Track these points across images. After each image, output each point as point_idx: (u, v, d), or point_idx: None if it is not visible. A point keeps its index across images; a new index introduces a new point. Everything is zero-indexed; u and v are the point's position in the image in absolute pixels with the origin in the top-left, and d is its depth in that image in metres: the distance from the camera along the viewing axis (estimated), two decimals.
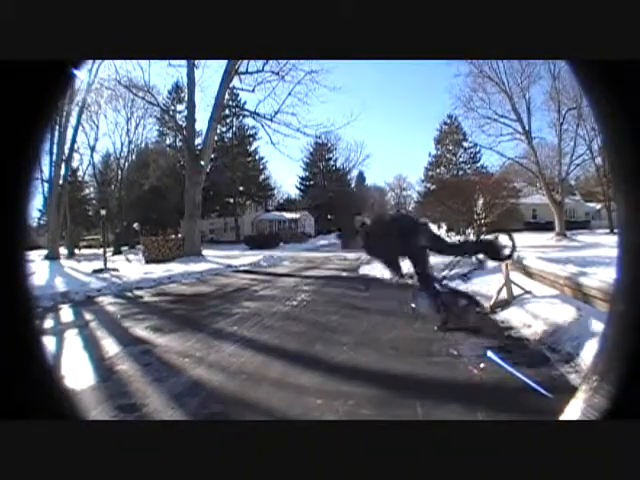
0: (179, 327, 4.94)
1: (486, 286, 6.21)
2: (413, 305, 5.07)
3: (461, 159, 37.03)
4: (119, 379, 3.24)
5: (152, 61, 16.93)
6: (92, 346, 4.27)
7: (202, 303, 6.63)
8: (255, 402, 2.71)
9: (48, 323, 5.54)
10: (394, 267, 4.11)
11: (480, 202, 11.93)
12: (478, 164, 34.93)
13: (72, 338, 4.71)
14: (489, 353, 3.06)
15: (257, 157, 35.21)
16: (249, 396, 2.80)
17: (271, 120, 17.94)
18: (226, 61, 16.53)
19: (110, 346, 4.21)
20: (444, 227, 11.85)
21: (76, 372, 3.36)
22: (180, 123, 20.77)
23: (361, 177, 45.16)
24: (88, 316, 6.02)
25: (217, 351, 3.87)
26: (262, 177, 36.02)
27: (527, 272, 5.04)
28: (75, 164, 28.02)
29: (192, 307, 6.38)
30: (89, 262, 15.17)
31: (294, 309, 5.84)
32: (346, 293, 7.07)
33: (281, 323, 4.98)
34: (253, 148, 34.75)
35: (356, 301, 6.21)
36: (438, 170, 36.76)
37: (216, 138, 25.86)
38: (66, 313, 6.40)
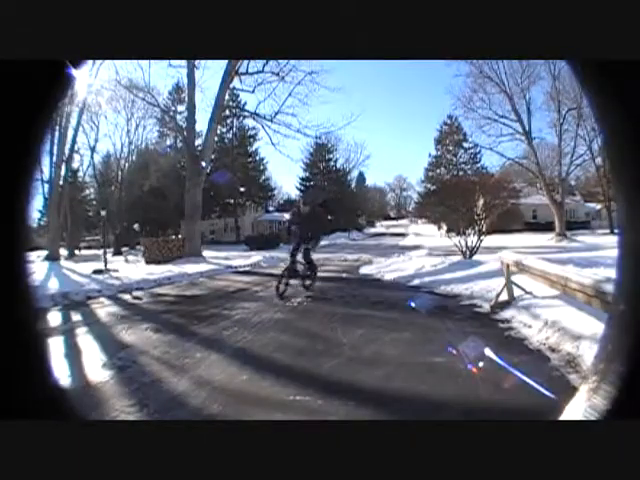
0: (178, 328, 4.95)
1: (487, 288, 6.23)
2: (413, 304, 5.41)
3: (461, 159, 37.04)
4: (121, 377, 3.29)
5: (152, 62, 16.95)
6: (90, 347, 4.31)
7: (202, 304, 6.64)
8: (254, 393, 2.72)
9: (48, 323, 5.55)
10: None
11: (480, 202, 11.91)
12: (478, 164, 34.96)
13: (71, 338, 4.72)
14: (488, 352, 3.01)
15: (257, 158, 35.25)
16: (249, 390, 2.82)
17: (271, 121, 17.99)
18: (226, 62, 16.56)
19: (108, 347, 4.25)
20: (444, 227, 11.81)
21: (74, 371, 3.40)
22: (180, 124, 20.75)
23: (361, 178, 45.13)
24: (87, 317, 6.03)
25: (219, 348, 3.91)
26: (262, 178, 36.04)
27: (531, 274, 4.99)
28: (75, 165, 28.10)
29: (192, 308, 6.38)
30: (89, 263, 15.17)
31: (294, 310, 5.87)
32: (346, 294, 7.07)
33: (280, 324, 5.00)
34: (253, 149, 34.81)
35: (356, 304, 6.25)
36: (438, 170, 36.76)
37: (216, 139, 25.93)
38: (66, 314, 6.41)
